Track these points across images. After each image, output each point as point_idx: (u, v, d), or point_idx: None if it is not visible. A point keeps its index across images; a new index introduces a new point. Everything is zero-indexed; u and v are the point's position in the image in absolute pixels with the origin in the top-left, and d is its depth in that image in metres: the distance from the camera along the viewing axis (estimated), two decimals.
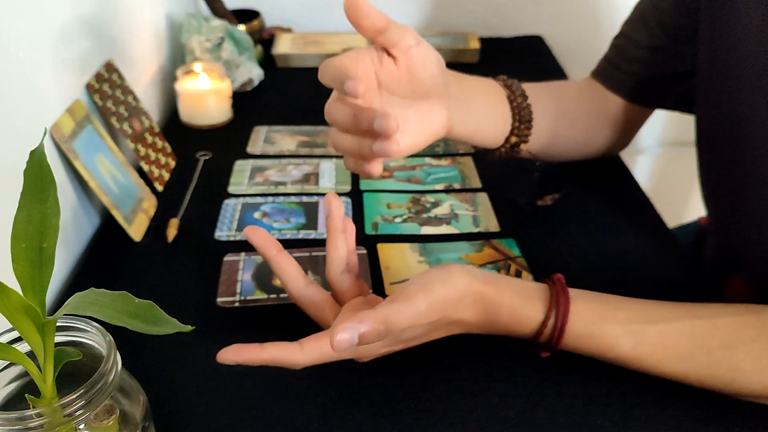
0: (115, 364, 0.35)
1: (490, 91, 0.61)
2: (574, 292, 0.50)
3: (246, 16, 1.09)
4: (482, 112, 0.59)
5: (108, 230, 0.67)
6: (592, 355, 0.50)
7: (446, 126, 0.55)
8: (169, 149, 0.80)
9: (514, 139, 0.62)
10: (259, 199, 0.73)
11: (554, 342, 0.49)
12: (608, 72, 0.71)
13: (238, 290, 0.60)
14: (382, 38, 0.49)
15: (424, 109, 0.53)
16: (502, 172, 0.77)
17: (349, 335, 0.41)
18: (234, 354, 0.44)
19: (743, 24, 0.52)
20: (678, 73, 0.67)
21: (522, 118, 0.62)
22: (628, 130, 0.74)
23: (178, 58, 1.01)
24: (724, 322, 0.47)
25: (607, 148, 0.74)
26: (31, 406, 0.34)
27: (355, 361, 0.50)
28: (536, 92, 0.65)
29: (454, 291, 0.47)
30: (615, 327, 0.48)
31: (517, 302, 0.48)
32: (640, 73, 0.69)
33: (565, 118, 0.68)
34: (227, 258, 0.64)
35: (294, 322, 0.56)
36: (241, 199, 0.73)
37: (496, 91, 0.62)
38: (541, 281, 0.51)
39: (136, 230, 0.66)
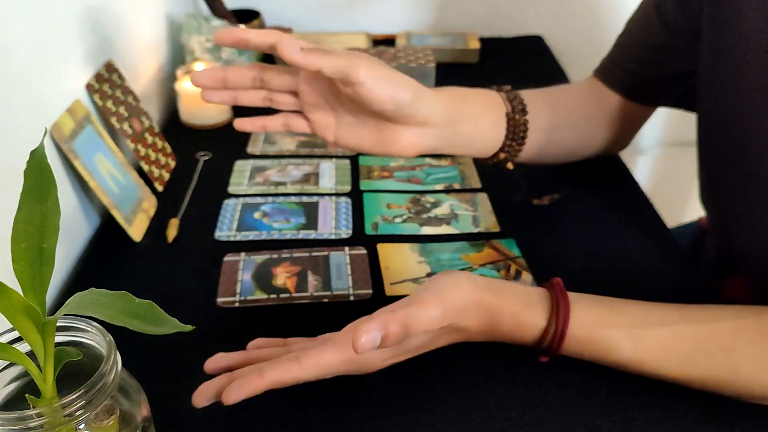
0: (115, 364, 0.35)
1: (484, 112, 0.60)
2: (573, 296, 0.50)
3: (246, 16, 1.09)
4: (470, 136, 0.59)
5: (108, 230, 0.67)
6: (592, 359, 0.50)
7: (413, 149, 0.55)
8: (169, 149, 0.80)
9: (502, 156, 0.62)
10: (259, 199, 0.73)
11: (554, 347, 0.49)
12: (610, 70, 0.71)
13: (238, 290, 0.60)
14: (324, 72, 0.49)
15: (386, 129, 0.54)
16: (502, 171, 0.77)
17: (373, 337, 0.42)
18: (236, 393, 0.44)
19: (746, 24, 0.52)
20: (680, 73, 0.67)
21: (516, 135, 0.61)
22: (628, 130, 0.74)
23: (178, 58, 1.01)
24: (723, 324, 0.47)
25: (606, 148, 0.74)
26: (31, 406, 0.34)
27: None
28: (536, 101, 0.64)
29: (462, 298, 0.47)
30: (615, 331, 0.48)
31: (519, 309, 0.48)
32: (643, 71, 0.69)
33: (564, 125, 0.68)
34: (227, 258, 0.64)
35: (294, 322, 0.56)
36: (241, 199, 0.73)
37: (492, 108, 0.60)
38: (540, 285, 0.51)
39: (136, 230, 0.67)
